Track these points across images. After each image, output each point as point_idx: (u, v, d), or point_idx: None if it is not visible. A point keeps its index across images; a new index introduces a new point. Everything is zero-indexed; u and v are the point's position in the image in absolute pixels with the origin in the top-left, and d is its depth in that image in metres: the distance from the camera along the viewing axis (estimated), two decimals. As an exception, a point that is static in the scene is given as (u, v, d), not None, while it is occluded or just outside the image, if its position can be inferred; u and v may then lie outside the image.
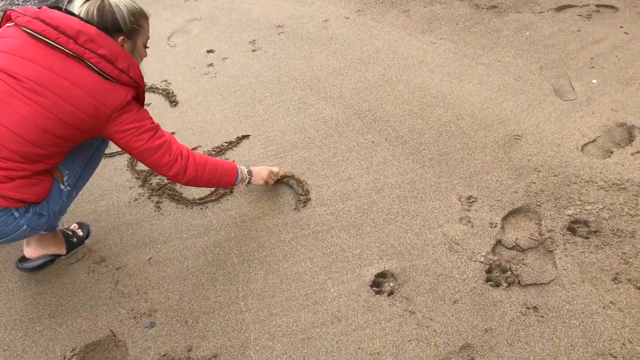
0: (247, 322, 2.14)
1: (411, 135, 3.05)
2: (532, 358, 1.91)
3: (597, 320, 2.00)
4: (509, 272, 2.20)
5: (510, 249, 2.31)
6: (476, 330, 2.01)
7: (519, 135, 2.94)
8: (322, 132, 3.16)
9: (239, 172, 2.40)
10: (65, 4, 1.94)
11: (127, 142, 1.96)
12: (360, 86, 3.55)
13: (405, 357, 1.95)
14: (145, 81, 2.07)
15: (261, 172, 2.59)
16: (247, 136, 3.20)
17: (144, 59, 2.16)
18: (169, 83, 3.83)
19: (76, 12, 1.87)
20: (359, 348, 2.00)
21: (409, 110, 3.26)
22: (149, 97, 3.74)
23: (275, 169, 2.70)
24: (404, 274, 2.24)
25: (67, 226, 2.58)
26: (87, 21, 1.83)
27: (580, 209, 2.43)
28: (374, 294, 2.19)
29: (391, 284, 2.22)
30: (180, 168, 2.08)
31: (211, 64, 4.03)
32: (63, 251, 2.45)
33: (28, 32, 1.75)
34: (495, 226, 2.41)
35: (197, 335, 2.10)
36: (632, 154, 2.70)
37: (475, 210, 2.51)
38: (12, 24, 1.83)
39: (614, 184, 2.53)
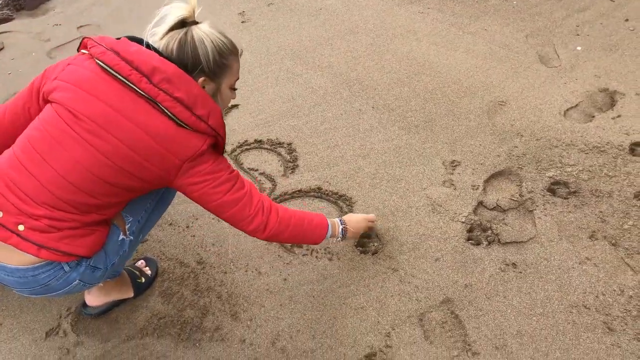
0: (237, 281, 2.21)
1: (397, 102, 3.10)
2: (509, 310, 1.99)
3: (573, 275, 2.08)
4: (490, 231, 2.28)
5: (491, 209, 2.38)
6: (456, 285, 2.09)
7: (503, 102, 2.99)
8: (310, 101, 3.21)
9: (330, 228, 1.99)
10: (148, 35, 1.61)
11: (201, 195, 1.65)
12: (349, 56, 3.59)
13: (388, 311, 2.03)
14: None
15: (358, 225, 2.16)
16: (236, 105, 3.24)
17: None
18: (159, 55, 3.86)
19: (156, 45, 1.59)
20: (343, 303, 2.08)
21: (396, 79, 3.30)
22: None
23: (372, 216, 2.26)
24: (387, 235, 2.31)
25: (133, 262, 2.29)
26: (166, 57, 1.56)
27: (560, 171, 2.50)
28: (358, 253, 2.26)
29: (375, 244, 2.29)
30: (260, 224, 1.75)
31: (201, 36, 4.05)
32: (130, 295, 2.16)
33: (100, 65, 1.51)
34: (477, 188, 2.47)
35: (189, 292, 2.17)
36: (613, 118, 2.76)
37: (459, 173, 2.57)
38: (87, 52, 1.60)
39: (594, 147, 2.59)
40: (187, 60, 1.58)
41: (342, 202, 2.51)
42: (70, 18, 4.55)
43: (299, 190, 2.58)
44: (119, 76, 1.48)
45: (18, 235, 1.49)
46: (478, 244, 2.24)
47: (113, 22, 4.42)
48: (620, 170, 2.46)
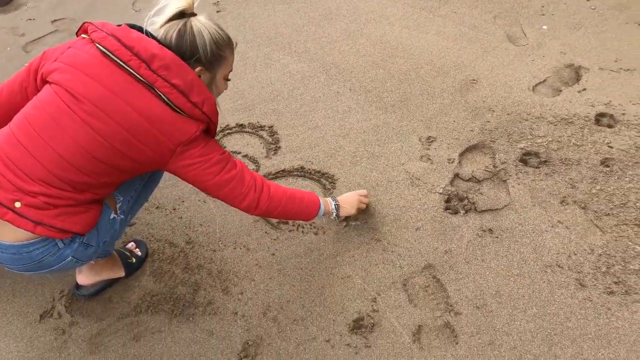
0: (226, 258, 2.28)
1: (374, 84, 3.19)
2: (488, 273, 2.10)
3: (547, 238, 2.20)
4: (466, 201, 2.39)
5: (467, 180, 2.49)
6: (437, 252, 2.20)
7: (474, 80, 3.10)
8: (288, 85, 3.28)
9: (322, 206, 2.09)
10: (147, 23, 1.65)
11: (194, 176, 1.72)
12: (324, 41, 3.66)
13: (373, 278, 2.13)
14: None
15: (351, 201, 2.26)
16: (216, 92, 3.29)
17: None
18: (135, 46, 3.87)
19: (155, 34, 1.63)
20: (330, 274, 2.17)
21: (371, 62, 3.39)
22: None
23: (363, 191, 2.38)
24: (370, 208, 2.40)
25: (123, 245, 2.35)
26: (165, 45, 1.60)
27: (531, 142, 2.62)
28: (342, 227, 2.35)
29: (359, 216, 2.38)
30: (252, 201, 1.83)
31: (176, 27, 4.07)
32: (121, 274, 2.21)
33: (100, 49, 1.54)
34: (453, 162, 2.58)
35: (179, 271, 2.24)
36: (579, 92, 2.90)
37: (435, 148, 2.67)
38: (87, 37, 1.62)
39: (562, 119, 2.72)
40: (186, 49, 1.62)
41: (325, 179, 2.59)
42: (44, 12, 4.52)
43: (282, 170, 2.65)
44: (119, 61, 1.52)
45: (14, 211, 1.53)
46: (456, 212, 2.35)
47: (88, 16, 4.41)
48: (587, 140, 2.59)
